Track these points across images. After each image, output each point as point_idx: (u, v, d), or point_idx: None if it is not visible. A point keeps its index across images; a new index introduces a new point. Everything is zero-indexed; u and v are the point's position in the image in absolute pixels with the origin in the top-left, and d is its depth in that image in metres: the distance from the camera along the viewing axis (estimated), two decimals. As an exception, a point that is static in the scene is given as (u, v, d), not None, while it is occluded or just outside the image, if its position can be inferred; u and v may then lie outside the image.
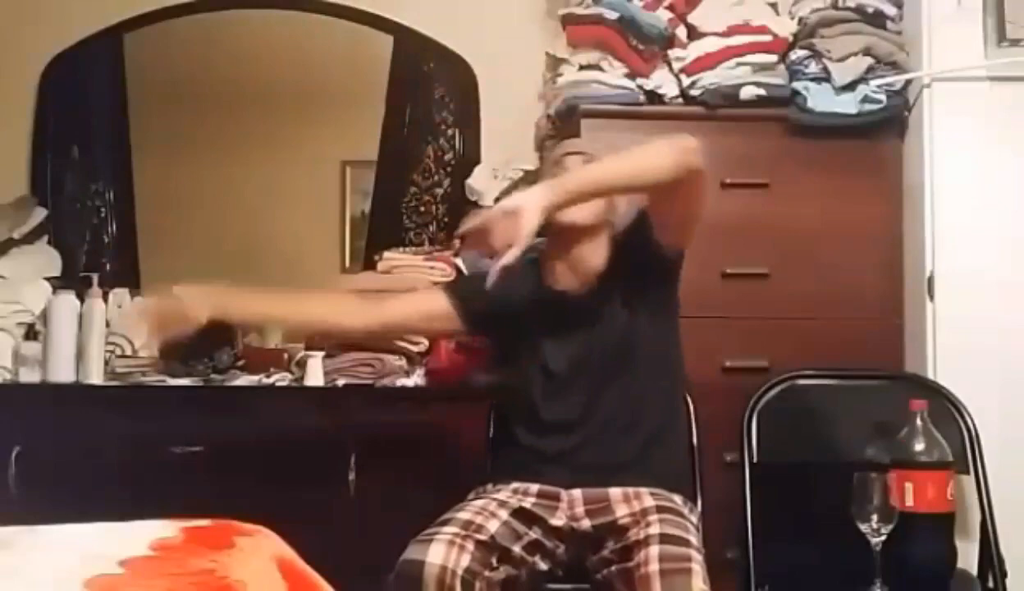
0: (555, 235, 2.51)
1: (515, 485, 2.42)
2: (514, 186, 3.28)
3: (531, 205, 2.21)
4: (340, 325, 2.70)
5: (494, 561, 2.26)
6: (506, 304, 2.54)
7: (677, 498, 2.41)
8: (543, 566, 2.37)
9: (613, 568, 2.30)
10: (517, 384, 2.56)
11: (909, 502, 2.38)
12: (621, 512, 2.34)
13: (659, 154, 2.36)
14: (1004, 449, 2.74)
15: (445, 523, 2.27)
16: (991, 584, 2.56)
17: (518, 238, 2.19)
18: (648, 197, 2.43)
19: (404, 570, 2.18)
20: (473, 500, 2.40)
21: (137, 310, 2.57)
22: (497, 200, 3.29)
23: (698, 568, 2.15)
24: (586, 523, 2.37)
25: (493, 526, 2.28)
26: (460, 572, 2.17)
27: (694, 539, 2.26)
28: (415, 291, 2.86)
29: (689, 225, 2.46)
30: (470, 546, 2.21)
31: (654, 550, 2.18)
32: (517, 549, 2.31)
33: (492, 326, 2.63)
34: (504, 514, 2.33)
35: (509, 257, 2.21)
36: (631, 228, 2.51)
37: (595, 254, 2.52)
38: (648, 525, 2.26)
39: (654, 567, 2.14)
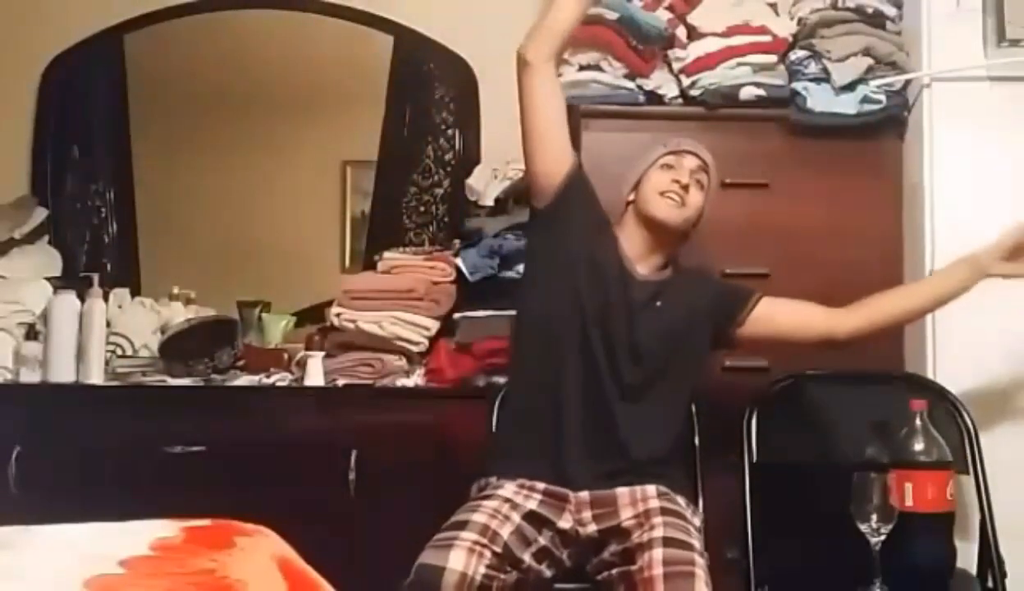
0: (643, 221, 2.58)
1: (520, 480, 2.41)
2: (514, 187, 3.28)
3: None
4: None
5: (507, 567, 2.27)
6: (591, 227, 2.57)
7: (681, 500, 2.41)
8: (548, 573, 2.38)
9: (615, 571, 2.30)
10: (537, 335, 2.55)
11: (909, 502, 2.38)
12: (626, 514, 2.34)
13: None
14: (1004, 449, 2.74)
15: (462, 527, 2.26)
16: (990, 584, 2.56)
17: None
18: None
19: (423, 575, 2.18)
20: (482, 499, 2.38)
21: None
22: (497, 200, 3.29)
23: (701, 573, 2.16)
24: (592, 528, 2.37)
25: (506, 532, 2.28)
26: (479, 579, 2.18)
27: (697, 543, 2.27)
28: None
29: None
30: (488, 554, 2.21)
31: (658, 553, 2.18)
32: (527, 558, 2.31)
33: (571, 224, 2.57)
34: (516, 517, 2.33)
35: None
36: (727, 300, 2.63)
37: (664, 254, 2.61)
38: (652, 528, 2.26)
39: (658, 571, 2.15)
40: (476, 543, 2.22)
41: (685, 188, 2.56)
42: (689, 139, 2.68)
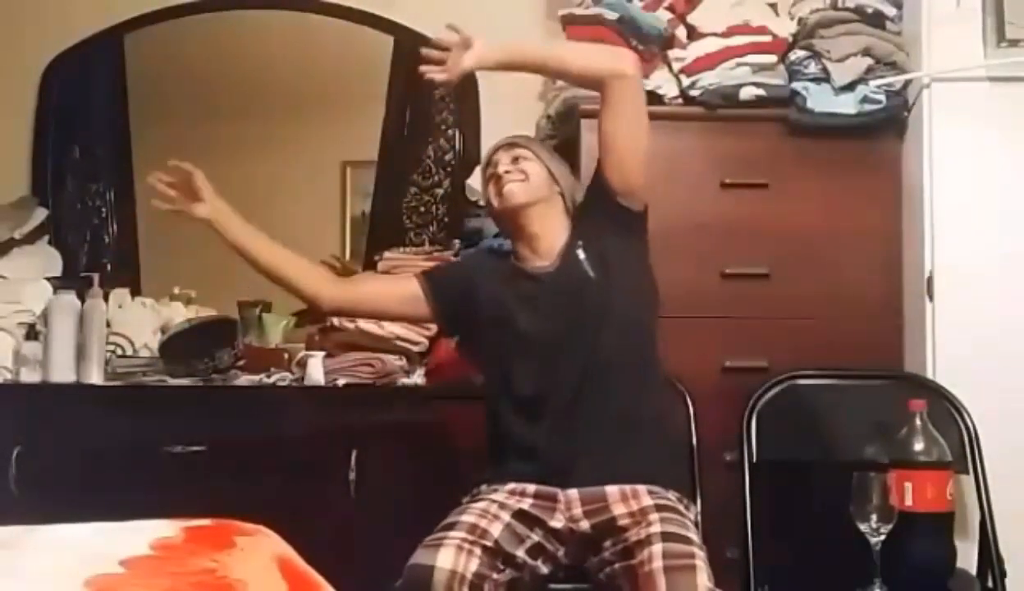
0: (507, 222, 2.63)
1: (511, 486, 2.42)
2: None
3: (476, 48, 2.48)
4: (308, 288, 2.67)
5: (499, 564, 2.27)
6: (479, 288, 2.61)
7: (672, 495, 2.41)
8: (544, 569, 2.37)
9: (616, 566, 2.30)
10: (497, 377, 2.57)
11: (908, 502, 2.39)
12: (619, 511, 2.34)
13: (592, 49, 2.76)
14: (1003, 449, 2.74)
15: (451, 527, 2.27)
16: (990, 584, 2.57)
17: (453, 67, 2.48)
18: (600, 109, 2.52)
19: (413, 575, 2.18)
20: (472, 503, 2.40)
21: (160, 174, 2.63)
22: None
23: (702, 565, 2.16)
24: (585, 524, 2.36)
25: (496, 530, 2.29)
26: (469, 577, 2.18)
27: (695, 536, 2.26)
28: (393, 276, 2.87)
29: (633, 150, 2.51)
30: (478, 551, 2.22)
31: (657, 548, 2.18)
32: (520, 553, 2.31)
33: (462, 316, 2.64)
34: (506, 516, 2.33)
35: (439, 76, 2.49)
36: (588, 193, 2.60)
37: (551, 230, 2.59)
38: (649, 524, 2.26)
39: (658, 564, 2.15)
40: (464, 541, 2.22)
41: (505, 172, 2.59)
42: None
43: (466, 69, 2.46)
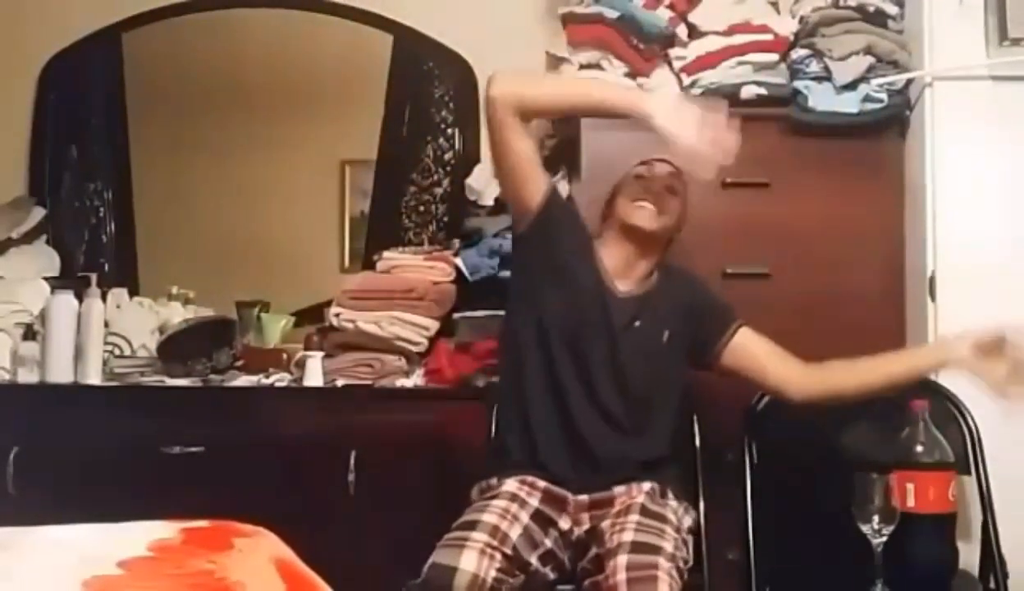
0: (624, 228, 2.60)
1: (521, 477, 2.42)
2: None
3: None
4: None
5: (516, 571, 2.27)
6: (569, 246, 2.58)
7: (671, 500, 2.42)
8: (551, 577, 2.38)
9: (587, 582, 2.32)
10: (530, 350, 2.54)
11: (910, 503, 2.38)
12: (614, 509, 2.36)
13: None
14: (1005, 449, 2.73)
15: (472, 527, 2.27)
16: (992, 585, 2.56)
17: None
18: None
19: (435, 575, 2.18)
20: (490, 499, 2.38)
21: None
22: (497, 200, 3.29)
23: (665, 576, 2.16)
24: (584, 528, 2.39)
25: (515, 534, 2.29)
26: (489, 582, 2.18)
27: (669, 545, 2.26)
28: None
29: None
30: (498, 557, 2.22)
31: (622, 559, 2.19)
32: (534, 560, 2.32)
33: (545, 243, 2.58)
34: (525, 517, 2.34)
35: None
36: (715, 323, 2.64)
37: (643, 265, 2.61)
38: (623, 531, 2.27)
39: (621, 576, 2.16)
40: (487, 545, 2.22)
41: (658, 194, 2.60)
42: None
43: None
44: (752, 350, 2.60)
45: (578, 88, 2.79)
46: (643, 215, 2.58)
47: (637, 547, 2.22)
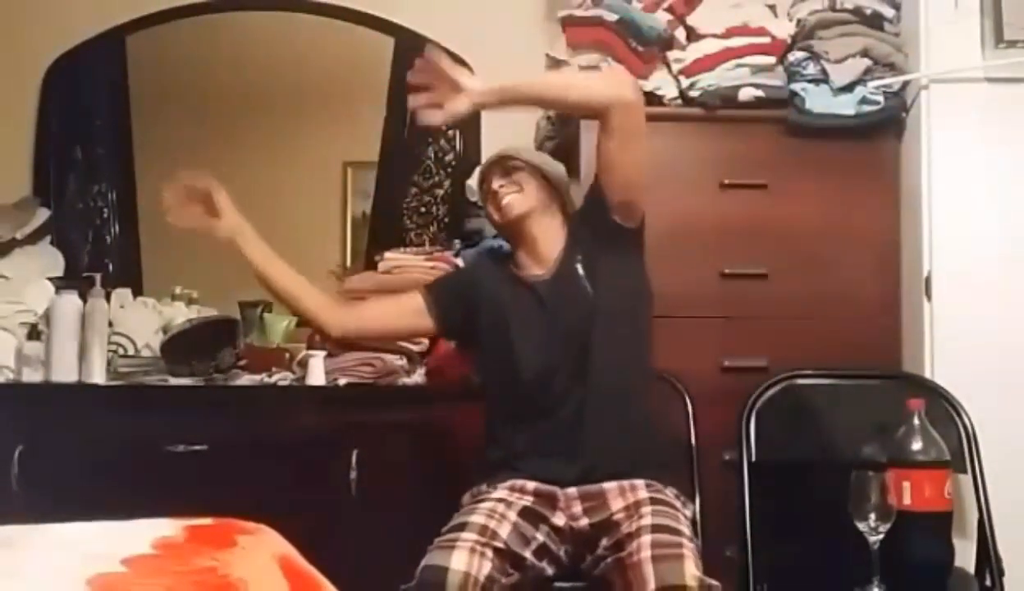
0: (510, 233, 2.68)
1: (511, 483, 2.45)
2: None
3: (473, 87, 2.37)
4: (317, 317, 2.73)
5: (508, 568, 2.28)
6: (480, 296, 2.65)
7: (670, 491, 2.43)
8: (549, 571, 2.39)
9: (608, 560, 2.32)
10: (496, 380, 2.62)
11: (907, 501, 2.39)
12: (616, 506, 2.37)
13: (592, 78, 2.79)
14: (1001, 448, 2.75)
15: (461, 528, 2.29)
16: (988, 582, 2.57)
17: (449, 108, 2.35)
18: (599, 135, 2.50)
19: (427, 577, 2.20)
20: (478, 503, 2.41)
21: (175, 183, 2.67)
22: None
23: (690, 554, 2.18)
24: (584, 521, 2.39)
25: (504, 531, 2.31)
26: (482, 579, 2.20)
27: (686, 529, 2.29)
28: (396, 294, 2.86)
29: (636, 173, 2.52)
30: (489, 553, 2.24)
31: (646, 538, 2.21)
32: (528, 554, 2.33)
33: (465, 324, 2.68)
34: (512, 515, 2.35)
35: (429, 118, 2.37)
36: (586, 205, 2.62)
37: (550, 238, 2.63)
38: (641, 517, 2.29)
39: (646, 554, 2.17)
40: (477, 543, 2.24)
41: (496, 194, 2.65)
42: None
43: (462, 113, 2.39)
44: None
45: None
46: (504, 210, 2.63)
47: (659, 528, 2.24)
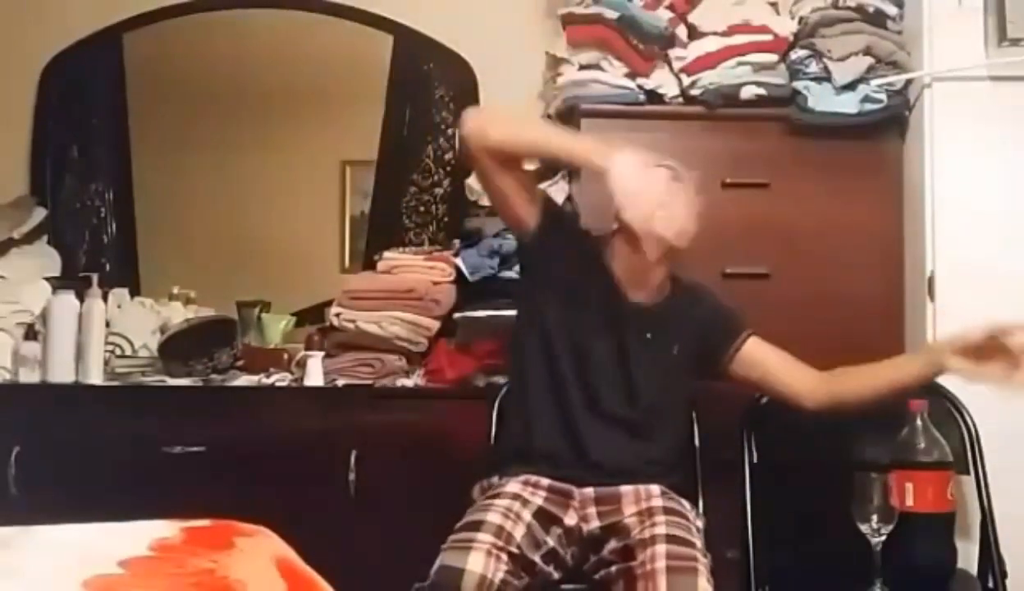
0: (633, 243, 2.50)
1: (525, 477, 2.42)
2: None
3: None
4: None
5: (521, 573, 2.27)
6: (570, 256, 2.57)
7: (685, 503, 2.43)
8: (555, 575, 2.38)
9: (613, 568, 2.31)
10: (530, 357, 2.55)
11: (909, 502, 2.38)
12: (629, 511, 2.36)
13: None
14: (1004, 449, 2.73)
15: (477, 528, 2.26)
16: (991, 584, 2.56)
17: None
18: None
19: (443, 577, 2.18)
20: (492, 498, 2.38)
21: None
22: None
23: (704, 569, 2.18)
24: (595, 524, 2.38)
25: (519, 533, 2.28)
26: (497, 583, 2.18)
27: (699, 542, 2.28)
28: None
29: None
30: (504, 557, 2.22)
31: (661, 548, 2.20)
32: (537, 559, 2.31)
33: (546, 254, 2.57)
34: (527, 516, 2.33)
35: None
36: (722, 329, 2.62)
37: (658, 275, 2.57)
38: (654, 525, 2.27)
39: (661, 564, 2.16)
40: (494, 546, 2.22)
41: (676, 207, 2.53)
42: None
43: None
44: (761, 359, 2.59)
45: (540, 133, 2.71)
46: (678, 235, 2.49)
47: (673, 539, 2.23)
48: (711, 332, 2.61)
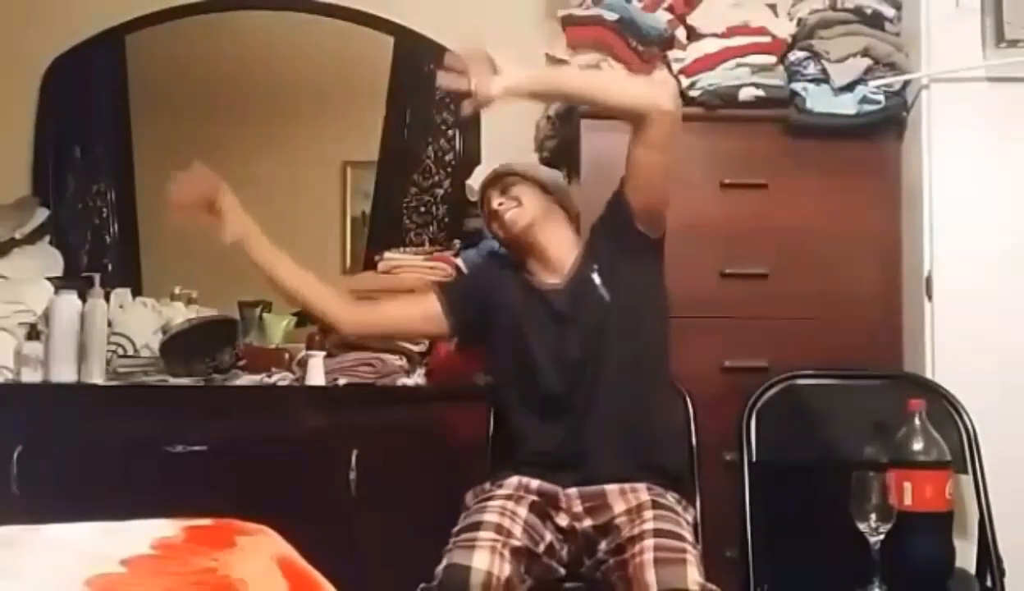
0: (517, 247, 2.65)
1: (515, 481, 2.45)
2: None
3: (508, 73, 2.34)
4: (328, 312, 2.68)
5: (524, 566, 2.29)
6: (495, 301, 2.63)
7: (671, 496, 2.43)
8: (560, 571, 2.40)
9: (610, 561, 2.32)
10: (509, 383, 2.60)
11: (908, 501, 2.39)
12: (618, 508, 2.37)
13: (634, 82, 2.76)
14: (1002, 448, 2.74)
15: (477, 528, 2.28)
16: (989, 583, 2.57)
17: (481, 94, 2.32)
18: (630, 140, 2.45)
19: (450, 576, 2.19)
20: (488, 501, 2.40)
21: (182, 177, 2.65)
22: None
23: (693, 560, 2.18)
24: (587, 522, 2.39)
25: (518, 529, 2.31)
26: (503, 578, 2.19)
27: (688, 535, 2.30)
28: (411, 293, 2.88)
29: (664, 181, 2.48)
30: (507, 553, 2.24)
31: (649, 542, 2.21)
32: (539, 552, 2.34)
33: (479, 328, 2.66)
34: (523, 512, 2.36)
35: (466, 108, 2.36)
36: (609, 212, 2.58)
37: (560, 245, 2.62)
38: (643, 521, 2.29)
39: (649, 556, 2.18)
40: (496, 542, 2.24)
41: (496, 213, 2.63)
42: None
43: (496, 96, 2.33)
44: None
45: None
46: (507, 225, 2.61)
47: (661, 533, 2.24)
48: (611, 229, 2.57)
